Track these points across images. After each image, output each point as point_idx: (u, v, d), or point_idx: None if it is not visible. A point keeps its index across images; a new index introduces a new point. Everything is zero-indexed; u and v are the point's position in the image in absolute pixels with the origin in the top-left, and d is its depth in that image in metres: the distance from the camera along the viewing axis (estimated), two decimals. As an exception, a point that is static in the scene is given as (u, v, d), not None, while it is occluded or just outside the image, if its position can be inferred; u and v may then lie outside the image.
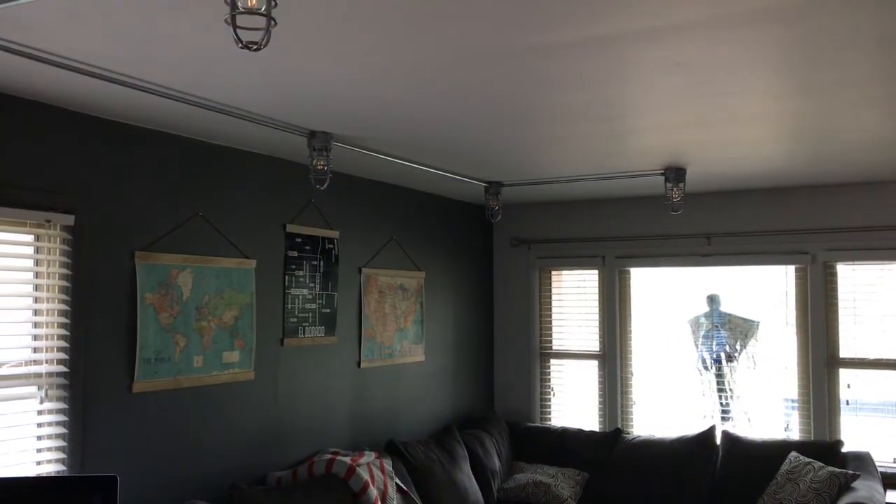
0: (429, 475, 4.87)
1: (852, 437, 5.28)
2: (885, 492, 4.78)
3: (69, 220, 3.30)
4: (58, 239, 3.30)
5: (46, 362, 3.25)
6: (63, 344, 3.29)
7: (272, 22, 1.78)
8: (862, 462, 4.97)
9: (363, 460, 4.39)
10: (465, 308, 6.16)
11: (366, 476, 4.27)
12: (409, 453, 4.87)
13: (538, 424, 6.18)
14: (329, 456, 4.30)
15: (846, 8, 2.24)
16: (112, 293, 3.48)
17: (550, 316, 6.41)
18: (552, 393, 6.38)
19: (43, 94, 3.12)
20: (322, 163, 3.72)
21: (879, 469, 5.02)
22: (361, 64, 2.75)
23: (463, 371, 6.10)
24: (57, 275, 3.29)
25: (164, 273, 3.70)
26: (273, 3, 1.78)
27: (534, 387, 6.36)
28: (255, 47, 1.80)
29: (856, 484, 4.60)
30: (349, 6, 2.21)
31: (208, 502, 3.54)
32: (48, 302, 3.27)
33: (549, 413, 6.37)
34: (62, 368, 3.28)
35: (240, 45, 1.80)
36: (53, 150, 3.27)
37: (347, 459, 4.28)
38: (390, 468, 4.59)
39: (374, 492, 4.25)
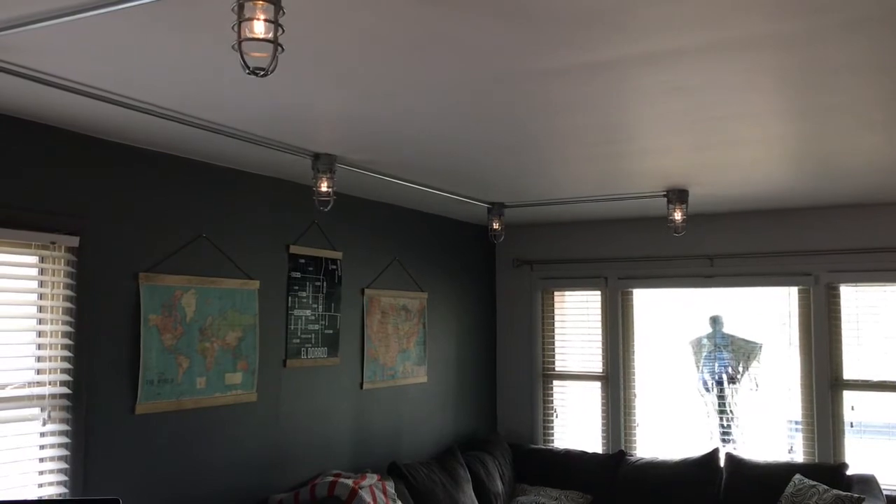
0: (431, 497, 4.85)
1: (857, 460, 5.25)
2: (891, 515, 4.75)
3: (74, 241, 3.31)
4: (62, 261, 3.31)
5: (49, 384, 3.25)
6: (66, 365, 3.29)
7: (279, 48, 1.80)
8: (867, 485, 4.94)
9: (366, 482, 4.37)
10: (467, 329, 6.16)
11: (368, 499, 4.25)
12: (411, 475, 4.85)
13: (541, 446, 6.16)
14: (332, 478, 4.28)
15: (845, 33, 2.26)
16: (116, 314, 3.49)
17: (553, 337, 6.40)
18: (555, 414, 6.36)
19: (47, 117, 3.14)
20: (326, 185, 3.73)
21: (885, 492, 4.99)
22: (365, 88, 2.77)
23: (465, 392, 6.09)
24: (61, 296, 3.30)
25: (168, 294, 3.71)
26: (280, 30, 1.80)
27: (536, 408, 6.34)
28: (262, 73, 1.82)
29: (861, 507, 4.57)
30: (354, 32, 2.23)
31: (210, 525, 3.53)
32: (52, 323, 3.27)
33: (552, 435, 6.34)
34: (65, 390, 3.28)
35: (247, 71, 1.82)
36: (58, 171, 3.29)
37: (350, 482, 4.26)
38: (392, 490, 4.57)
39: (376, 514, 4.23)
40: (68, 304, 3.31)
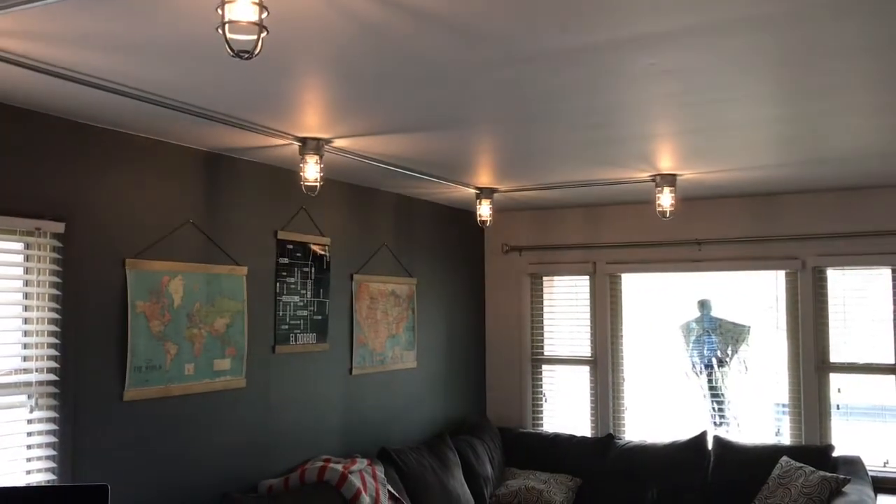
0: (421, 482, 4.87)
1: (843, 442, 5.29)
2: (876, 496, 4.80)
3: (59, 227, 3.29)
4: (48, 247, 3.28)
5: (36, 371, 3.23)
6: (53, 352, 3.27)
7: (264, 31, 1.79)
8: (853, 466, 4.99)
9: (355, 467, 4.38)
10: (456, 315, 6.16)
11: (358, 483, 4.26)
12: (401, 460, 4.86)
13: (530, 430, 6.18)
14: (321, 463, 4.29)
15: (835, 16, 2.26)
16: (102, 301, 3.47)
17: (542, 322, 6.41)
18: (544, 399, 6.38)
19: (33, 103, 3.11)
20: (313, 170, 3.72)
21: (870, 473, 5.03)
22: (352, 71, 2.75)
23: (455, 377, 6.10)
24: (47, 283, 3.28)
25: (155, 280, 3.69)
26: (265, 12, 1.78)
27: (525, 393, 6.36)
28: (247, 56, 1.80)
29: (847, 488, 4.62)
30: (340, 16, 2.21)
31: (200, 511, 3.54)
32: (38, 310, 3.25)
33: (541, 419, 6.37)
34: (52, 377, 3.26)
35: (232, 53, 1.80)
36: (43, 157, 3.26)
37: (339, 467, 4.27)
38: (382, 475, 4.58)
39: (366, 499, 4.24)
40: (54, 291, 3.29)
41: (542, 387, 6.39)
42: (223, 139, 3.75)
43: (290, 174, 4.38)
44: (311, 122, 3.47)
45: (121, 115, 3.30)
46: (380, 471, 4.59)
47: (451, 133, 3.70)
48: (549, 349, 6.40)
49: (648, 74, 2.78)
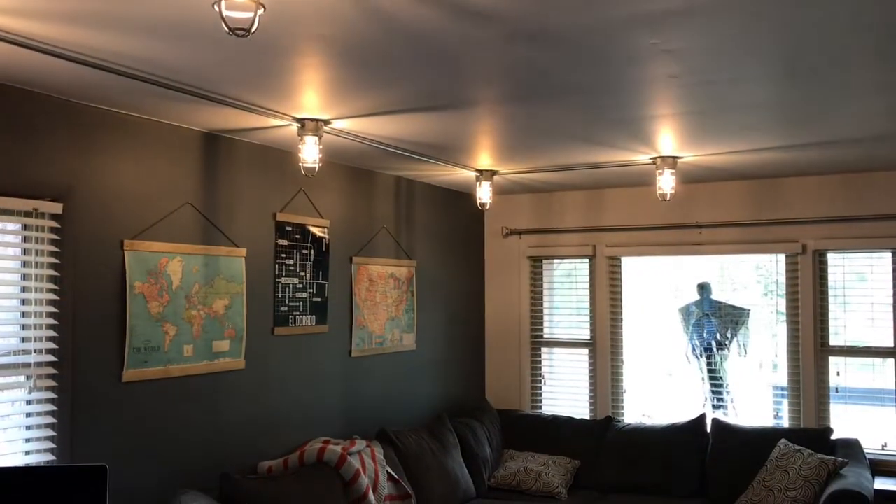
0: (420, 463, 4.88)
1: (841, 425, 5.30)
2: (874, 478, 4.81)
3: (57, 208, 3.27)
4: (45, 228, 3.27)
5: (35, 352, 3.23)
6: (52, 333, 3.27)
7: (260, 7, 1.77)
8: (851, 449, 5.00)
9: (354, 449, 4.39)
10: (456, 297, 6.16)
11: (357, 464, 4.27)
12: (400, 442, 4.87)
13: (529, 412, 6.19)
14: (320, 444, 4.29)
15: (837, -5, 2.24)
16: (101, 282, 3.46)
17: (541, 305, 6.41)
18: (543, 381, 6.39)
19: (30, 82, 3.09)
20: (312, 151, 3.70)
21: (868, 456, 5.05)
22: (351, 50, 2.73)
23: (454, 360, 6.10)
24: (45, 263, 3.27)
25: (154, 262, 3.68)
26: (261, -12, 1.76)
27: (524, 375, 6.37)
28: (242, 33, 1.79)
29: (844, 471, 4.63)
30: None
31: (199, 492, 3.53)
32: (36, 291, 3.24)
33: (540, 401, 6.38)
34: (51, 358, 3.26)
35: (228, 31, 1.78)
36: (41, 138, 3.24)
37: (338, 448, 4.28)
38: (381, 456, 4.60)
39: (365, 480, 4.25)
40: (52, 272, 3.28)
41: (541, 369, 6.39)
42: (221, 120, 3.73)
43: (288, 156, 4.36)
44: (310, 103, 3.44)
45: (119, 95, 3.28)
46: (379, 452, 4.61)
47: (451, 114, 3.67)
48: (549, 332, 6.41)
49: (650, 54, 2.76)
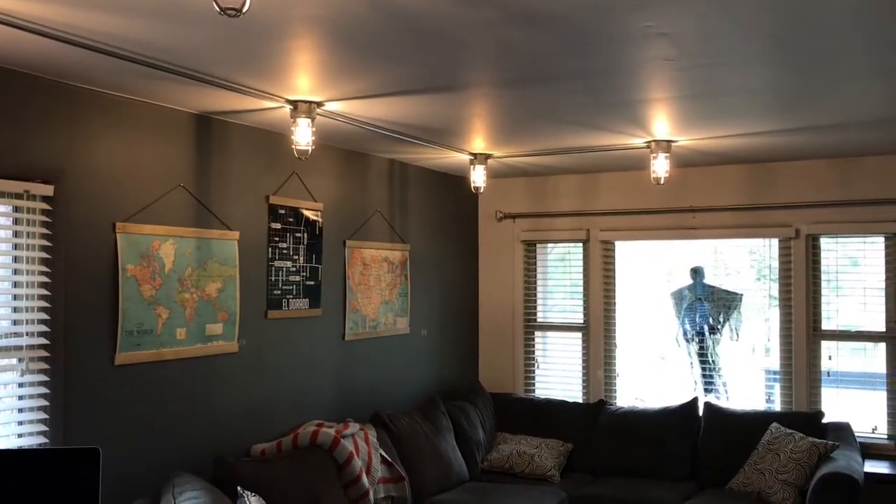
0: (413, 446, 4.90)
1: (833, 409, 5.33)
2: (864, 461, 4.85)
3: (48, 190, 3.26)
4: (37, 210, 3.25)
5: (27, 334, 3.22)
6: (44, 316, 3.26)
7: (251, -13, 1.75)
8: (841, 433, 5.03)
9: (348, 431, 4.40)
10: (450, 281, 6.16)
11: (350, 447, 4.28)
12: (393, 424, 4.89)
13: (522, 396, 6.21)
14: (314, 427, 4.30)
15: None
16: (93, 264, 3.45)
17: (535, 289, 6.41)
18: (536, 365, 6.41)
19: (21, 63, 3.06)
20: (305, 134, 3.68)
21: (858, 439, 5.08)
22: (344, 31, 2.71)
23: (448, 343, 6.11)
24: (37, 246, 3.25)
25: (146, 244, 3.67)
26: (252, -33, 1.74)
27: (518, 359, 6.38)
28: (234, 13, 1.77)
29: (835, 454, 4.66)
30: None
31: (193, 474, 3.53)
32: (28, 274, 3.23)
33: (533, 385, 6.40)
34: (43, 340, 3.25)
35: (219, 10, 1.77)
36: (32, 119, 3.21)
37: (332, 431, 4.29)
38: (375, 439, 4.61)
39: (358, 463, 4.26)
40: (44, 255, 3.27)
41: (534, 353, 6.41)
42: (214, 102, 3.71)
43: (281, 138, 4.34)
44: (303, 85, 3.42)
45: (111, 76, 3.25)
46: (372, 435, 4.62)
47: (445, 96, 3.65)
48: (542, 316, 6.42)
49: (645, 37, 2.74)
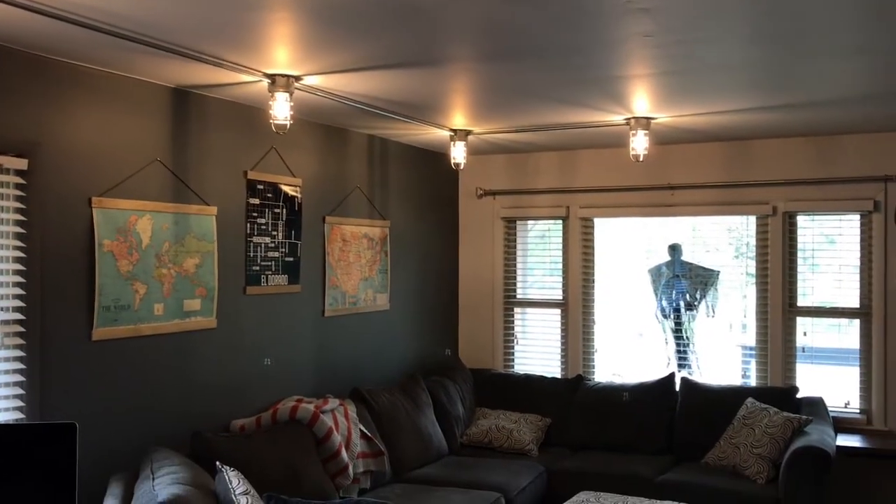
0: (393, 422, 4.92)
1: (807, 384, 5.41)
2: (836, 435, 4.93)
3: (22, 164, 3.21)
4: (11, 184, 3.21)
5: (2, 310, 3.19)
6: (19, 291, 3.23)
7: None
8: (815, 407, 5.11)
9: (327, 407, 4.41)
10: (430, 257, 6.16)
11: (330, 422, 4.29)
12: (373, 400, 4.90)
13: (501, 371, 6.25)
14: (293, 403, 4.31)
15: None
16: (69, 239, 3.42)
17: (514, 265, 6.43)
18: (515, 341, 6.44)
19: (-9, 33, 3.01)
20: (283, 108, 3.65)
21: (831, 414, 5.17)
22: (322, 3, 2.68)
23: (427, 319, 6.13)
24: (11, 220, 3.21)
25: (123, 219, 3.64)
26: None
27: (497, 335, 6.41)
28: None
29: (808, 428, 4.74)
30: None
31: (171, 450, 3.53)
32: (2, 248, 3.19)
33: (513, 360, 6.43)
34: (18, 316, 3.22)
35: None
36: (5, 92, 3.16)
37: (311, 406, 4.29)
38: (354, 415, 4.62)
39: (337, 438, 4.28)
40: (19, 229, 3.23)
41: (513, 329, 6.44)
42: (190, 75, 3.66)
43: (259, 112, 4.29)
44: (281, 58, 3.39)
45: (86, 48, 3.20)
46: (352, 410, 4.63)
47: (424, 71, 3.63)
48: (522, 292, 6.44)
49: (625, 13, 2.74)
